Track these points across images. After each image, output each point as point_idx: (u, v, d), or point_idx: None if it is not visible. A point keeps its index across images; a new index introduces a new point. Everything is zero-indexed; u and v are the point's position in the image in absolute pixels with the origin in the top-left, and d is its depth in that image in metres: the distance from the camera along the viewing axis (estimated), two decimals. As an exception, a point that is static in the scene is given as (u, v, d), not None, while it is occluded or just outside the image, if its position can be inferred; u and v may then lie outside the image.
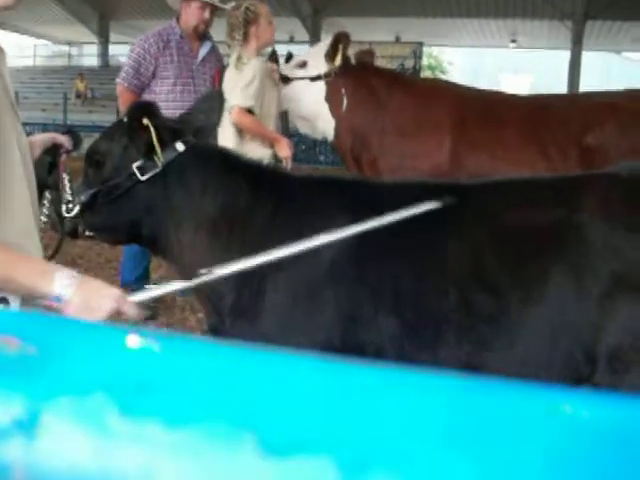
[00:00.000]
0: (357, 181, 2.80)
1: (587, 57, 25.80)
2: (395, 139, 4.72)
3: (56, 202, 2.50)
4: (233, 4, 5.10)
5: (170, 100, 5.08)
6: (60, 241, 2.51)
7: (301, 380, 0.49)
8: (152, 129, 2.50)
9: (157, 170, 2.52)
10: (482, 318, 2.13)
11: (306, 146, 18.77)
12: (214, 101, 3.03)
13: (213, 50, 5.48)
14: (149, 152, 2.52)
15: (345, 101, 4.82)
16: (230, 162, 2.68)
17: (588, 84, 22.99)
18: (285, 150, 4.65)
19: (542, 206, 2.23)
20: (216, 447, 0.46)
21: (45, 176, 2.36)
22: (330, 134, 4.98)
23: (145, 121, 2.50)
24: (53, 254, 2.50)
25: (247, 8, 4.77)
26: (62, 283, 1.65)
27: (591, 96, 5.02)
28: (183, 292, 5.67)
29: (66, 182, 2.57)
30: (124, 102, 5.16)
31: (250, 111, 4.55)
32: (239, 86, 4.53)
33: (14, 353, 0.51)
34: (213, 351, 0.52)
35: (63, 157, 2.49)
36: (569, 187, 2.29)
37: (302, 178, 2.68)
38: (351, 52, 5.19)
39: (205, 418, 0.47)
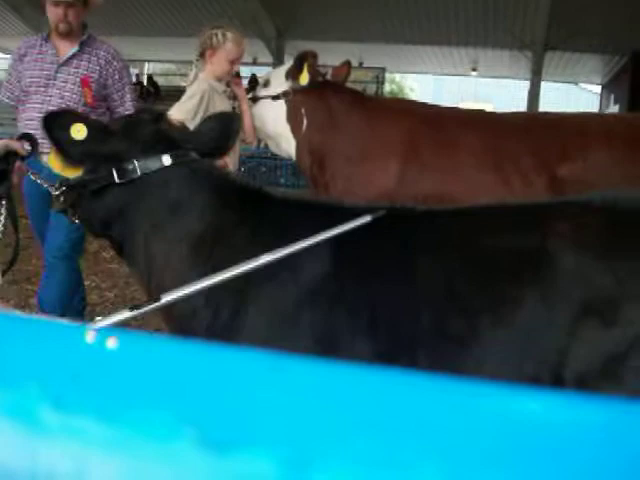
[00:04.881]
0: (334, 203, 2.80)
1: (546, 87, 26.22)
2: (343, 163, 4.61)
3: (11, 211, 2.46)
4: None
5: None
6: (15, 254, 2.47)
7: (243, 375, 0.48)
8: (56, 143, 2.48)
9: (134, 177, 2.50)
10: (454, 341, 2.14)
11: (266, 168, 18.79)
12: (231, 122, 2.94)
13: (81, 53, 5.10)
14: (127, 156, 2.51)
15: (305, 121, 4.78)
16: (213, 180, 2.65)
17: (546, 114, 23.28)
18: None
19: (515, 232, 2.25)
20: (152, 443, 0.45)
21: None
22: (293, 154, 4.94)
23: (76, 132, 2.48)
24: (9, 266, 2.46)
25: (212, 35, 4.81)
26: None
27: (576, 118, 4.75)
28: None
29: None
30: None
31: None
32: (181, 101, 4.57)
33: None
34: (152, 344, 0.51)
35: (17, 164, 2.44)
36: (542, 213, 2.32)
37: (282, 199, 2.67)
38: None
39: (141, 413, 0.45)
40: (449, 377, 0.51)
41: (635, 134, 4.28)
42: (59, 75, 4.94)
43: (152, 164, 2.52)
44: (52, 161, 2.50)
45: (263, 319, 2.34)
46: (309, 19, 25.29)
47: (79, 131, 2.51)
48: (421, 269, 2.26)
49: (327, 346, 2.24)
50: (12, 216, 2.45)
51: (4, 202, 2.41)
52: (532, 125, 4.64)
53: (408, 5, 23.85)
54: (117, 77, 5.12)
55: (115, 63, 5.12)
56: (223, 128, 2.82)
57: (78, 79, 4.94)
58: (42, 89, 4.92)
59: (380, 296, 2.25)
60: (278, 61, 25.17)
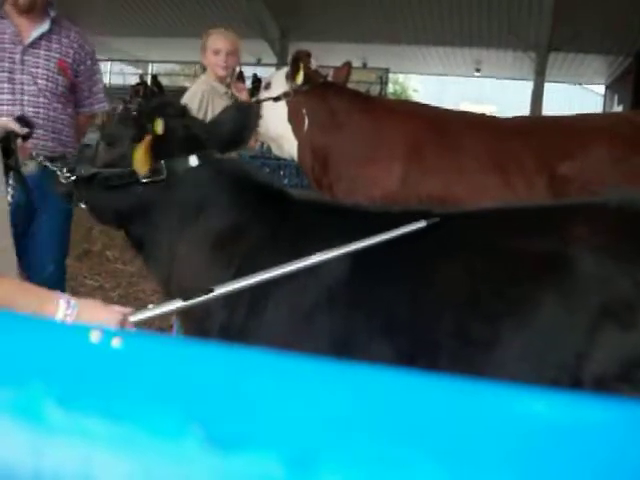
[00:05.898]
0: (358, 206, 2.79)
1: (549, 88, 26.17)
2: (346, 164, 4.64)
3: (20, 181, 2.49)
4: None
5: None
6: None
7: (249, 375, 0.48)
8: (149, 137, 2.40)
9: (160, 177, 2.46)
10: (475, 344, 2.15)
11: (270, 169, 18.79)
12: (248, 114, 2.85)
13: (51, 33, 4.43)
14: (155, 156, 2.43)
15: (306, 121, 4.80)
16: (238, 181, 2.61)
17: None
18: None
19: (534, 235, 2.25)
20: (158, 442, 0.45)
21: None
22: (295, 155, 4.97)
23: (159, 126, 2.42)
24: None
25: (202, 39, 4.88)
26: (64, 312, 1.67)
27: (577, 119, 4.83)
28: None
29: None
30: None
31: None
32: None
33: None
34: (156, 344, 0.51)
35: (19, 142, 2.47)
36: (560, 216, 2.32)
37: (304, 201, 2.67)
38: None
39: (147, 412, 0.46)
40: (453, 377, 0.51)
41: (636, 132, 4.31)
42: (27, 59, 4.29)
43: (179, 165, 2.47)
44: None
45: (280, 319, 2.34)
46: (313, 20, 25.26)
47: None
48: (441, 271, 2.27)
49: (345, 347, 2.24)
50: (21, 184, 2.48)
51: (11, 181, 2.44)
52: (533, 127, 4.69)
53: (412, 6, 23.82)
54: (89, 63, 4.56)
55: (87, 47, 4.56)
56: (240, 121, 2.73)
57: (52, 63, 4.35)
58: (7, 74, 4.25)
59: (400, 298, 2.25)
60: (282, 62, 25.14)
